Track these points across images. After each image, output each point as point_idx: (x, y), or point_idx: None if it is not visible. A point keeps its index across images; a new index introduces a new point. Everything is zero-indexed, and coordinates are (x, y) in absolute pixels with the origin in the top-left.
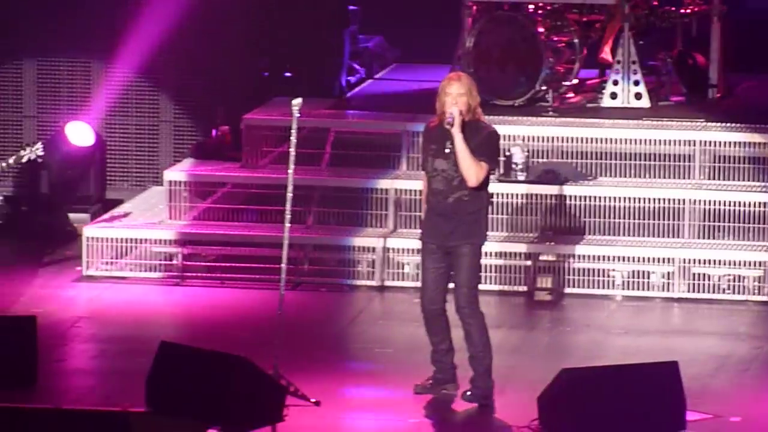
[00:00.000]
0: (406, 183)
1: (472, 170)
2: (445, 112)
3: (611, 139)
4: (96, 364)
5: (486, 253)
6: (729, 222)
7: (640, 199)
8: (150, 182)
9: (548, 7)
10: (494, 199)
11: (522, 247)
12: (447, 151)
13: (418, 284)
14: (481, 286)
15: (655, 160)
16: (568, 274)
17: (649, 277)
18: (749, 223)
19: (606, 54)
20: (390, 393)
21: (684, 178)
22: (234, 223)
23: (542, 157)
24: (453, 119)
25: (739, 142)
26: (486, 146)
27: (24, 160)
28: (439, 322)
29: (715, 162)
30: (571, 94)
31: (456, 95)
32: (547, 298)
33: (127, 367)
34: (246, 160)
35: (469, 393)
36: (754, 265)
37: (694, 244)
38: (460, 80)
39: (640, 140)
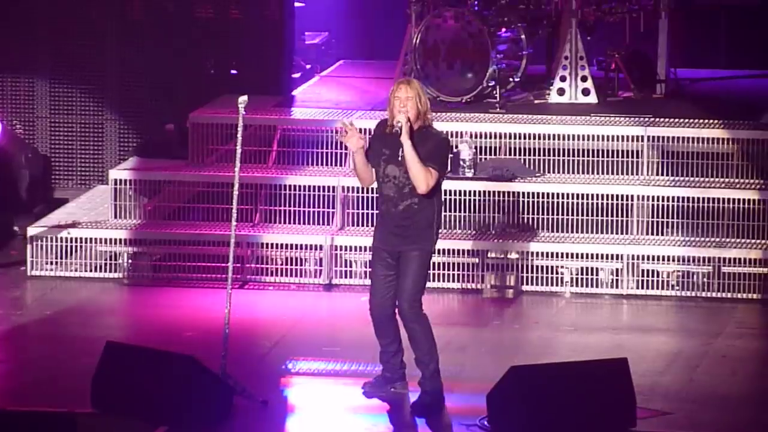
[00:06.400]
0: (354, 180)
1: (421, 177)
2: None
3: (559, 136)
4: (41, 365)
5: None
6: (677, 218)
7: (588, 195)
8: (95, 181)
9: (496, 3)
10: (443, 197)
11: (469, 245)
12: (400, 158)
13: (366, 282)
14: (429, 284)
15: (603, 156)
16: (517, 271)
17: (597, 274)
18: (698, 219)
19: None
20: (338, 392)
21: (632, 174)
22: (180, 222)
23: (490, 154)
24: (401, 127)
25: (688, 138)
26: (436, 153)
27: None
28: (388, 326)
29: (663, 158)
30: (518, 90)
31: (404, 99)
32: (496, 295)
33: (72, 368)
34: (192, 158)
35: (417, 401)
36: (703, 262)
37: (643, 240)
38: (409, 84)
39: (588, 136)
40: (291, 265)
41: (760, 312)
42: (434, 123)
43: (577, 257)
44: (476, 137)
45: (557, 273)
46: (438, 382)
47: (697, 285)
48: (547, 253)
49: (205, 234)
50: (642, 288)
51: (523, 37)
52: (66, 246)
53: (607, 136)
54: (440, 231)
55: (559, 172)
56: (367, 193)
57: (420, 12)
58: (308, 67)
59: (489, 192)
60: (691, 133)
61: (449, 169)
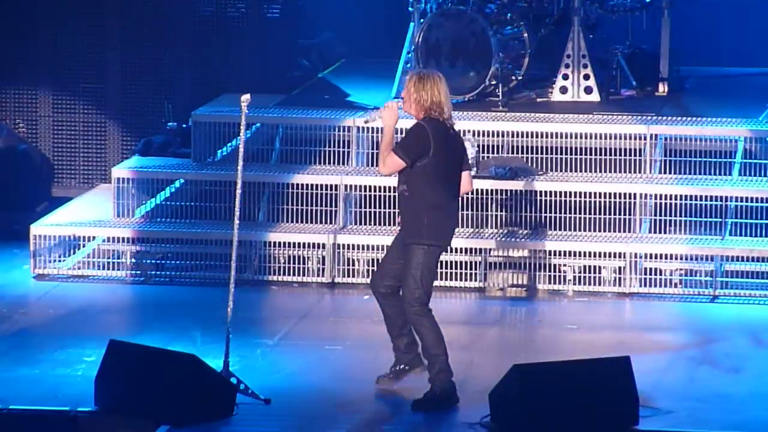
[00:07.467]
0: (356, 179)
1: (380, 160)
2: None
3: (561, 134)
4: (44, 364)
5: None
6: (680, 216)
7: (590, 193)
8: (98, 180)
9: (498, 2)
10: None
11: (472, 243)
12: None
13: (368, 281)
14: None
15: (605, 155)
16: (520, 270)
17: (600, 272)
18: (701, 217)
19: None
20: (340, 390)
21: (635, 172)
22: (183, 221)
23: (492, 152)
24: (370, 115)
25: (690, 136)
26: (404, 137)
27: None
28: (383, 305)
29: (665, 156)
30: (520, 89)
31: (405, 91)
32: (498, 293)
33: (75, 367)
34: (195, 156)
35: (421, 398)
36: (706, 260)
37: (646, 238)
38: (410, 77)
39: (591, 134)
40: (294, 263)
41: (762, 310)
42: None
43: (580, 255)
44: (478, 135)
45: (560, 271)
46: (444, 381)
47: (700, 283)
48: (550, 252)
49: (207, 232)
50: (645, 286)
51: (525, 35)
52: (69, 244)
53: (610, 135)
54: (444, 226)
55: (561, 171)
56: (370, 191)
57: (422, 10)
58: (310, 65)
59: (491, 190)
60: (694, 131)
61: (426, 157)
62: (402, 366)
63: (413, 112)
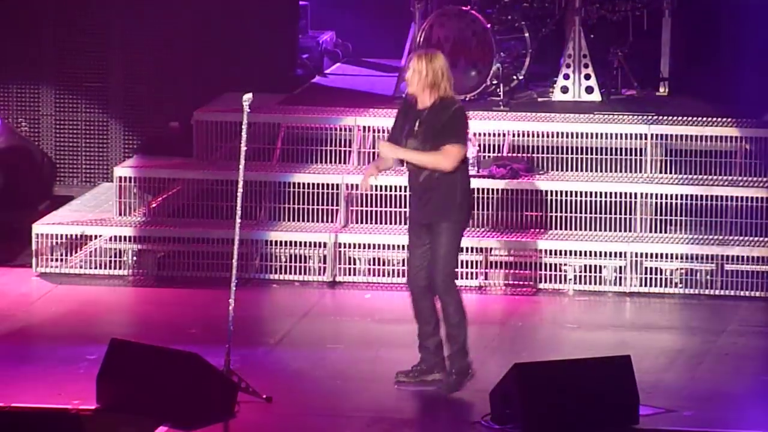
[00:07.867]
0: (357, 178)
1: (439, 164)
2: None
3: (562, 133)
4: (46, 361)
5: None
6: (681, 216)
7: (591, 193)
8: (100, 179)
9: (499, 1)
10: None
11: (473, 242)
12: (416, 130)
13: (370, 279)
14: None
15: (606, 154)
16: (520, 269)
17: (601, 272)
18: (701, 216)
19: None
20: (341, 388)
21: (635, 171)
22: (184, 219)
23: (493, 152)
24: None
25: (691, 136)
26: (452, 126)
27: None
28: (422, 300)
29: (666, 156)
30: (522, 88)
31: (410, 73)
32: (499, 292)
33: (77, 365)
34: (197, 155)
35: (444, 384)
36: (706, 259)
37: (646, 238)
38: (418, 58)
39: (592, 134)
40: (295, 262)
41: (763, 310)
42: None
43: (580, 255)
44: (480, 135)
45: (561, 270)
46: (465, 361)
47: (700, 282)
48: (551, 251)
49: (209, 231)
50: (645, 285)
51: (526, 35)
52: (71, 243)
53: (611, 134)
54: (470, 204)
55: (562, 170)
56: (372, 190)
57: (424, 10)
58: (311, 65)
59: (492, 189)
60: (695, 131)
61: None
62: (424, 366)
63: (425, 92)
